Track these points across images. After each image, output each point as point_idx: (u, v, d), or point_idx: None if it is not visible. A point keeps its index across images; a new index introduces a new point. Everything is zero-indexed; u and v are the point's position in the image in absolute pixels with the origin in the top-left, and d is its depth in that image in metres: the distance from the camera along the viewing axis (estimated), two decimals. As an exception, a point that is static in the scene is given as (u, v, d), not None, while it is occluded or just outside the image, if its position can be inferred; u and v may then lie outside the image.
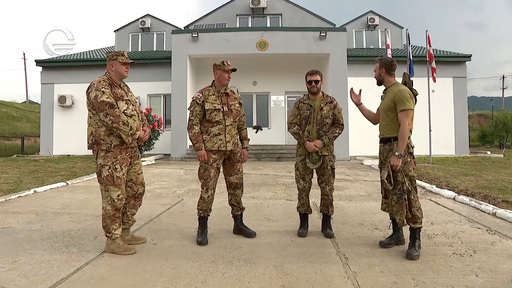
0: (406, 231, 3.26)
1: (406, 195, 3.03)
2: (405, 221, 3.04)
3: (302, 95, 3.82)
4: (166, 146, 13.12)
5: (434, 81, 10.46)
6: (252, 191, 6.16)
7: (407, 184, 3.05)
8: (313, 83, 3.63)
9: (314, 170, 3.66)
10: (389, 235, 3.43)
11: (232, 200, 3.66)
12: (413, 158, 3.15)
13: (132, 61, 3.23)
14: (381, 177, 3.09)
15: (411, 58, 10.25)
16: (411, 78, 3.42)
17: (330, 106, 3.65)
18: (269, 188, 6.59)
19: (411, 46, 10.70)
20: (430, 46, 10.15)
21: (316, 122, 3.60)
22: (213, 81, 3.58)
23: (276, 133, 14.68)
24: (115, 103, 3.00)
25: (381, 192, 3.39)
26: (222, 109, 3.46)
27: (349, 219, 4.31)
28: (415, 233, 3.07)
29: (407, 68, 10.12)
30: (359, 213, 4.60)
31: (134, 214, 3.40)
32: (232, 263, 2.90)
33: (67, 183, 6.96)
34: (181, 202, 5.34)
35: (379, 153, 3.35)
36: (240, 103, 3.65)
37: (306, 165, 3.62)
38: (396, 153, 3.02)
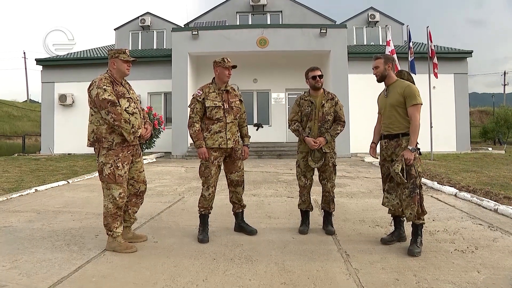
0: (408, 227, 3.25)
1: (419, 190, 3.04)
2: (416, 216, 3.03)
3: (303, 92, 3.81)
4: (167, 144, 13.11)
5: (436, 77, 10.39)
6: (253, 189, 6.15)
7: (419, 179, 3.05)
8: (317, 78, 3.60)
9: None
10: (390, 231, 3.42)
11: (233, 197, 3.65)
12: (420, 154, 3.14)
13: (134, 58, 3.22)
14: (394, 170, 3.03)
15: (413, 55, 10.19)
16: (411, 75, 3.41)
17: (332, 102, 3.63)
18: (270, 185, 6.58)
19: (412, 42, 10.62)
20: (431, 42, 10.09)
21: (318, 119, 3.59)
22: (214, 78, 3.57)
23: (276, 130, 14.66)
24: (116, 101, 3.00)
25: (384, 188, 3.37)
26: (222, 107, 3.44)
27: (350, 216, 4.31)
28: (417, 230, 3.06)
29: (408, 65, 10.10)
30: (360, 210, 4.60)
31: (136, 212, 3.39)
32: (233, 260, 2.90)
33: (68, 182, 6.97)
34: (182, 200, 5.34)
35: (381, 150, 3.34)
36: (240, 100, 3.64)
37: (307, 162, 3.62)
38: (410, 147, 3.02)
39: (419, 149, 3.10)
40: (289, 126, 3.77)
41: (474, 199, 4.88)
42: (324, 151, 3.56)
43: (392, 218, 3.39)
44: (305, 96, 3.71)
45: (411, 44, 10.38)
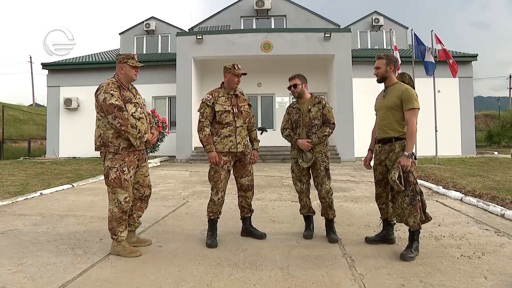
0: (404, 230, 3.22)
1: (419, 196, 2.99)
2: (420, 224, 2.97)
3: (295, 100, 3.80)
4: (171, 148, 13.15)
5: (454, 76, 10.01)
6: (257, 193, 6.13)
7: (418, 185, 3.00)
8: (292, 88, 3.64)
9: (311, 172, 3.64)
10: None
11: (242, 202, 3.63)
12: (415, 158, 3.10)
13: (142, 64, 3.24)
14: (391, 178, 2.98)
15: (432, 58, 9.92)
16: (412, 78, 3.39)
17: (318, 106, 3.60)
18: (274, 189, 6.57)
19: (427, 45, 10.35)
20: (442, 45, 9.87)
21: (305, 124, 3.59)
22: (223, 82, 3.58)
23: (281, 134, 14.63)
24: (123, 106, 3.02)
25: (382, 197, 3.33)
26: (232, 111, 3.46)
27: (355, 220, 4.28)
28: (413, 235, 3.01)
29: (411, 67, 10.00)
30: (365, 215, 4.57)
31: (140, 216, 3.40)
32: (237, 265, 2.89)
33: (73, 185, 7.00)
34: (186, 204, 5.34)
35: (375, 154, 3.31)
36: (249, 105, 3.67)
37: (300, 166, 3.61)
38: (406, 153, 2.98)
39: (414, 154, 3.05)
40: (281, 134, 3.80)
41: (480, 204, 4.84)
42: (314, 155, 3.53)
43: (381, 219, 3.40)
44: (294, 104, 3.76)
45: (428, 46, 10.11)
